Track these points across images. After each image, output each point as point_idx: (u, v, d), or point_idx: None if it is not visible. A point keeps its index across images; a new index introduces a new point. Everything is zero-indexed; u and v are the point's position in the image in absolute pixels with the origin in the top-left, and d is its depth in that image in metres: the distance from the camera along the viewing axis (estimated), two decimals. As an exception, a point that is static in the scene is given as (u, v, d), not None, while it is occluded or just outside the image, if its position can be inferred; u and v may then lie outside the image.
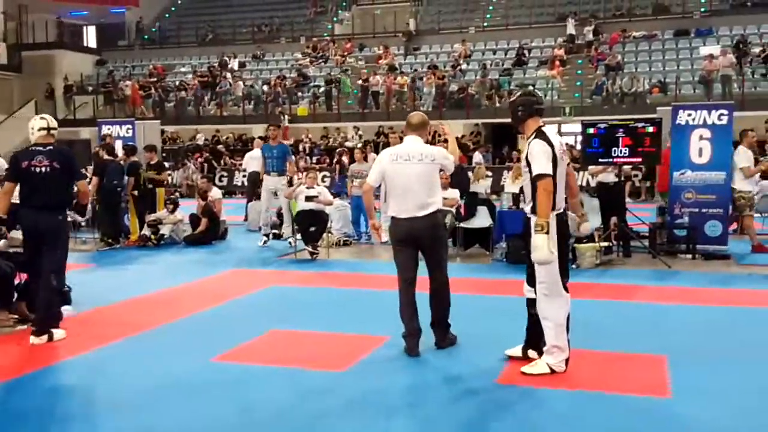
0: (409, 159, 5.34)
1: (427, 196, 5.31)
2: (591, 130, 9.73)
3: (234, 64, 30.00)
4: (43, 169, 5.81)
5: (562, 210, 4.93)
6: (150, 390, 4.80)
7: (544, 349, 4.96)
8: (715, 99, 19.65)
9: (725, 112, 9.79)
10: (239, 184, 21.85)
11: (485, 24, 29.72)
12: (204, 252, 10.96)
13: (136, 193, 11.69)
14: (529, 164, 4.85)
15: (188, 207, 12.73)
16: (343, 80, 26.02)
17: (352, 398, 4.60)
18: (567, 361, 4.95)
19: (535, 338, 5.10)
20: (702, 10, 26.79)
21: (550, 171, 4.75)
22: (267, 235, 11.30)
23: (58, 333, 5.93)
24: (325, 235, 10.44)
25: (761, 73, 22.27)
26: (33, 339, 5.80)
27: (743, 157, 9.90)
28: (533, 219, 4.82)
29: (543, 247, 4.66)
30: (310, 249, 10.03)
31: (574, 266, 8.89)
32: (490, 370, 5.03)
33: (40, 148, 5.90)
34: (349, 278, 8.82)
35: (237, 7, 35.00)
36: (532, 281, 4.97)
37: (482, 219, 9.99)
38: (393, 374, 5.05)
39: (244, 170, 14.84)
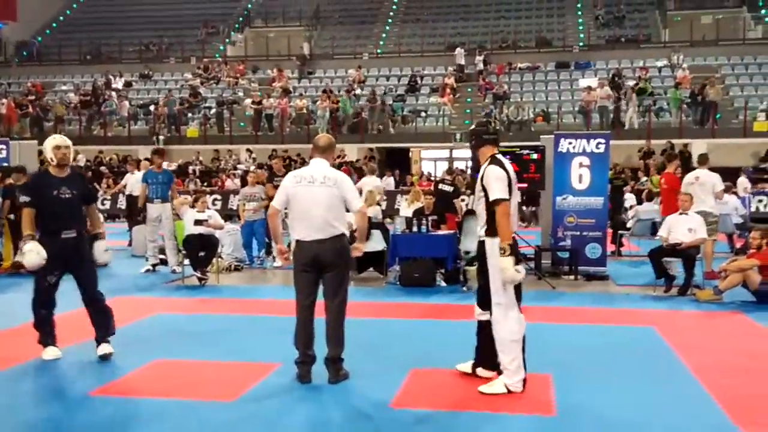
0: (312, 182, 5.24)
1: (333, 219, 5.21)
2: (480, 156, 10.00)
3: (119, 83, 28.93)
4: None
5: (514, 232, 5.09)
6: (17, 430, 4.44)
7: (501, 368, 5.04)
8: (593, 128, 20.82)
9: (602, 140, 10.33)
10: (123, 207, 20.93)
11: (379, 51, 30.27)
12: (85, 279, 10.37)
13: (12, 217, 10.96)
14: (484, 189, 5.00)
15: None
16: (343, 101, 25.09)
17: (243, 429, 4.45)
18: (524, 381, 5.03)
19: (484, 358, 5.21)
20: (580, 44, 28.54)
21: (507, 196, 4.92)
22: (154, 266, 10.89)
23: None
24: (215, 260, 10.15)
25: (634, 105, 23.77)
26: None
27: (717, 179, 9.95)
28: (488, 242, 4.99)
29: (509, 268, 4.82)
30: (199, 274, 9.71)
31: (464, 288, 9.09)
32: (384, 395, 5.01)
33: None
34: (240, 304, 8.60)
35: (123, 25, 33.88)
36: (483, 304, 5.10)
37: (376, 242, 10.04)
38: (285, 402, 4.93)
39: (129, 194, 14.22)
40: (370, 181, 14.90)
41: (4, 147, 12.59)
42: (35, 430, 4.45)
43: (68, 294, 6.05)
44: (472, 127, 5.47)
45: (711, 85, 22.41)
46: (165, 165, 11.68)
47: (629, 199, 15.04)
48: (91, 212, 6.25)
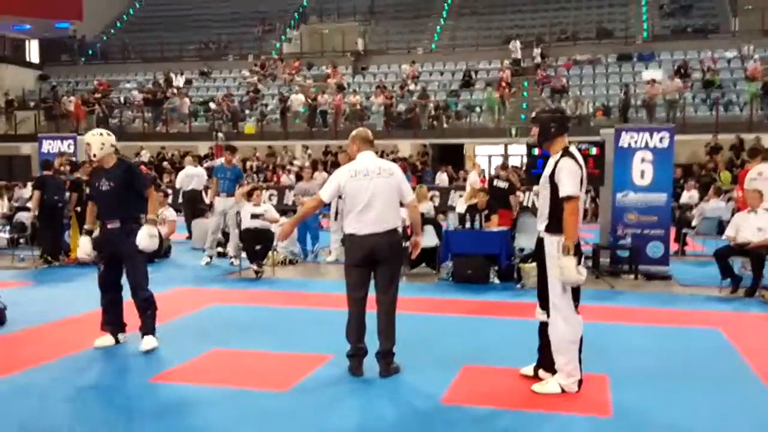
0: (368, 174, 5.23)
1: (390, 212, 5.23)
2: (536, 152, 9.83)
3: (180, 81, 29.61)
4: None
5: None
6: (83, 413, 4.60)
7: (557, 369, 4.92)
8: (658, 123, 20.22)
9: (666, 135, 10.00)
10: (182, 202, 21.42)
11: (433, 45, 30.09)
12: (145, 271, 10.65)
13: (79, 209, 11.34)
14: (551, 181, 4.77)
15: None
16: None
17: (295, 418, 4.49)
18: (580, 382, 4.91)
19: (546, 360, 5.04)
20: (644, 35, 27.62)
21: (579, 193, 4.69)
22: (211, 257, 11.12)
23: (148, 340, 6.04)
24: (270, 253, 10.28)
25: (701, 98, 23.01)
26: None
27: None
28: (547, 239, 4.81)
29: (571, 268, 4.63)
30: (255, 267, 9.87)
31: (518, 286, 8.96)
32: (435, 390, 4.98)
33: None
34: (294, 297, 8.68)
35: (184, 24, 34.67)
36: (544, 305, 4.95)
37: (429, 238, 9.98)
38: (337, 394, 4.96)
39: (186, 189, 14.54)
40: (473, 177, 17.30)
41: (72, 143, 13.06)
42: (99, 414, 4.59)
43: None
44: (545, 112, 5.00)
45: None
46: (220, 161, 11.94)
47: (693, 196, 14.62)
48: (148, 199, 6.12)
